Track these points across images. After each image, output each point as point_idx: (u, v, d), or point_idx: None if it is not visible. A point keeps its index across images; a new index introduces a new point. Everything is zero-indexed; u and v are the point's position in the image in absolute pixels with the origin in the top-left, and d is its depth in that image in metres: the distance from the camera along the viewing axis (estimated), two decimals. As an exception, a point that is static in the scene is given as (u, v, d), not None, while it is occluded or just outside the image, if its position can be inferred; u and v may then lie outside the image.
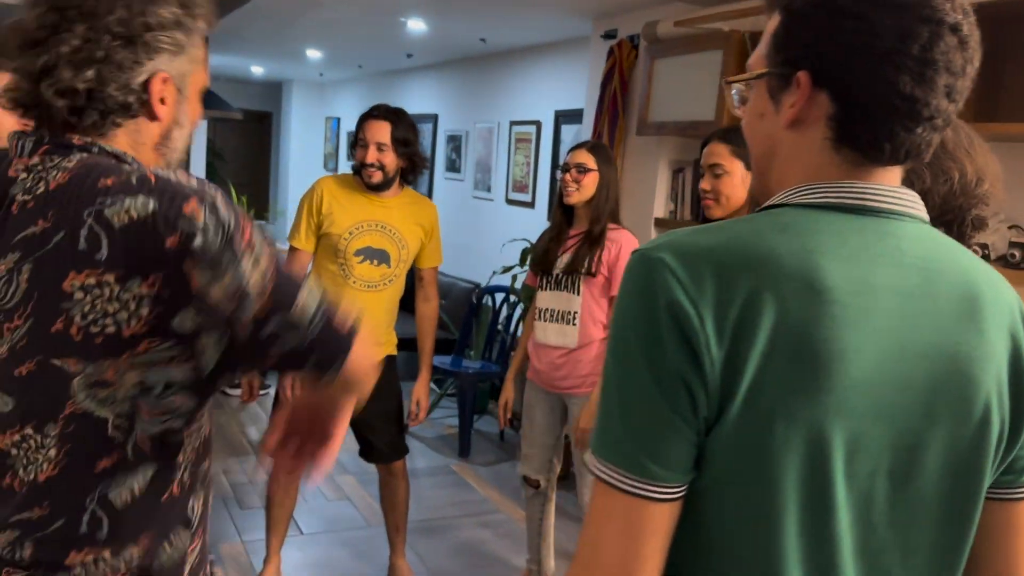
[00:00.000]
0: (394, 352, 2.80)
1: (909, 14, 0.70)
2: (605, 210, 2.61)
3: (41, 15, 0.90)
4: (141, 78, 0.94)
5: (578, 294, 2.62)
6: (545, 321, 2.69)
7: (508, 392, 2.88)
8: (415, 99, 7.03)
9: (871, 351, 0.69)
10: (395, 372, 2.81)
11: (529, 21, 4.64)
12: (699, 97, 3.33)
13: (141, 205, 0.87)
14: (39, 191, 0.90)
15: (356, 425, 2.78)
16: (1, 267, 0.90)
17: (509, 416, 2.88)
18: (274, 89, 9.81)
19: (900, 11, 0.70)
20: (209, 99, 6.35)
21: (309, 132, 9.20)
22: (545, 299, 2.71)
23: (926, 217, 0.77)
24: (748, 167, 2.03)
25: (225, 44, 6.53)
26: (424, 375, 2.86)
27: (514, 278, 4.35)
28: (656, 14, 3.73)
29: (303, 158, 9.16)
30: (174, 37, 0.95)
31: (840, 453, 0.69)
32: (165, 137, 0.99)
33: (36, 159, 0.92)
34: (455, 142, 6.45)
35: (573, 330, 2.64)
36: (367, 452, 2.84)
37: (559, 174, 2.67)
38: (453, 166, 6.49)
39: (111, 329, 0.87)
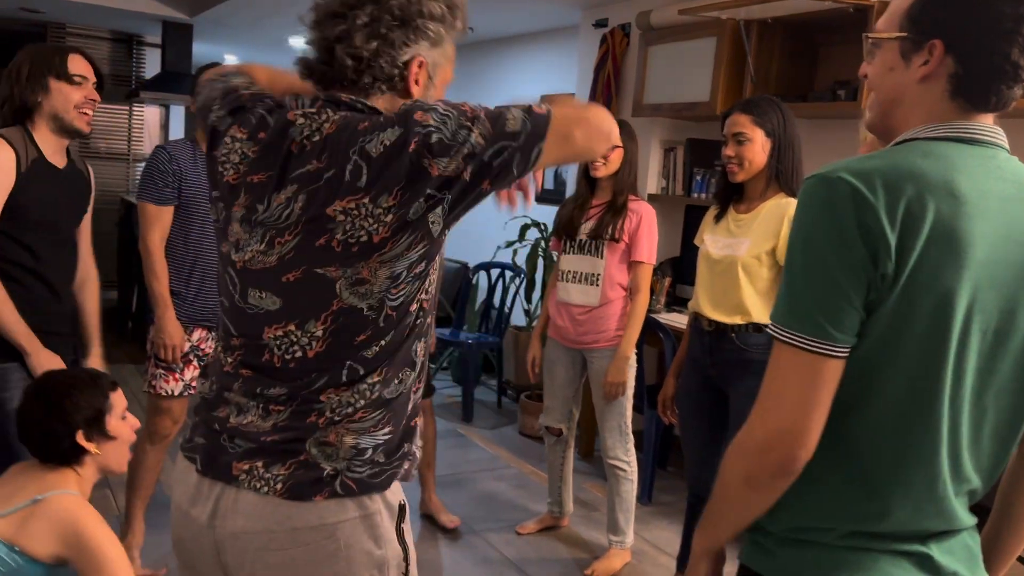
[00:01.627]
0: None
1: (1021, 5, 0.98)
2: (627, 183, 2.89)
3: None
4: (405, 57, 1.14)
5: (601, 257, 2.90)
6: (568, 281, 2.96)
7: (535, 349, 3.14)
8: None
9: (989, 238, 0.97)
10: None
11: (519, 10, 4.88)
12: (695, 80, 3.63)
13: (390, 133, 1.08)
14: (315, 138, 1.10)
15: None
16: (282, 196, 1.11)
17: (537, 371, 3.14)
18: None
19: (1016, 2, 0.99)
20: (188, 85, 6.41)
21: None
22: (569, 262, 2.97)
23: (1008, 147, 1.07)
24: (767, 135, 2.33)
25: (206, 33, 6.60)
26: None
27: (515, 252, 4.61)
28: (647, 4, 4.02)
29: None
30: (437, 29, 1.17)
31: (964, 314, 0.97)
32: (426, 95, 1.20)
33: (313, 109, 1.13)
34: (437, 128, 6.65)
35: (595, 290, 2.91)
36: None
37: None
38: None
39: (364, 238, 1.07)
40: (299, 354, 1.13)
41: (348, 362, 1.13)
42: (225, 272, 1.20)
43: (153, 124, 7.41)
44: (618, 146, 2.85)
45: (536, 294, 4.59)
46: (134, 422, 1.81)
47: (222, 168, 1.19)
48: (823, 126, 3.47)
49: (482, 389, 5.18)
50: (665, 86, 3.85)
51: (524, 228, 4.55)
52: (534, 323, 4.66)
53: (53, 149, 2.15)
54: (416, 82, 1.17)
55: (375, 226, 1.07)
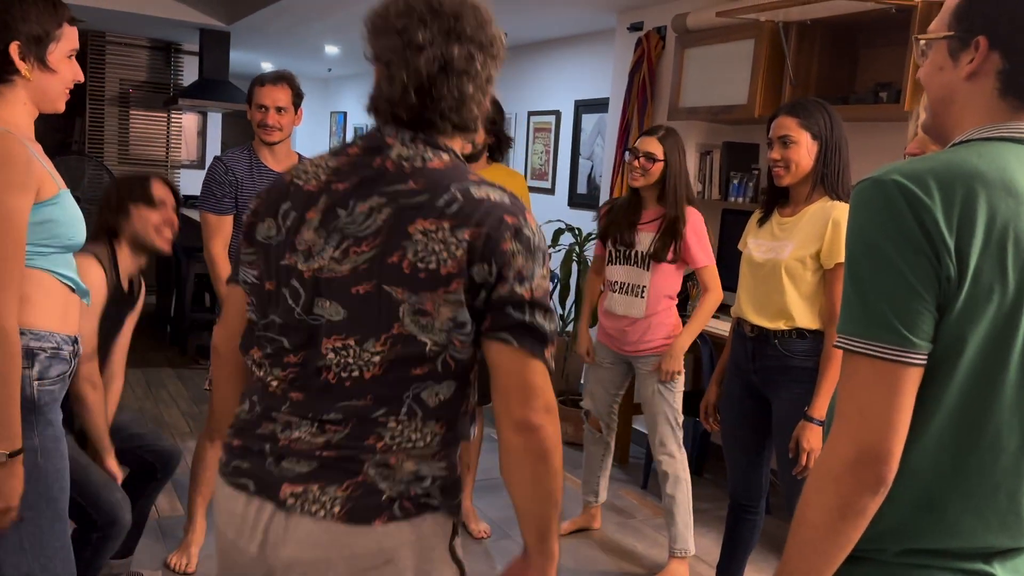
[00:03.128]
0: None
1: None
2: (680, 196, 2.85)
3: (458, 51, 1.12)
4: (488, 100, 1.18)
5: (648, 269, 2.88)
6: (614, 292, 2.95)
7: (584, 340, 3.13)
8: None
9: None
10: None
11: (554, 15, 4.87)
12: (733, 83, 3.59)
13: (499, 195, 1.11)
14: (417, 163, 1.12)
15: None
16: (366, 205, 1.10)
17: (592, 360, 3.11)
18: (276, 85, 9.93)
19: None
20: (225, 92, 6.51)
21: (315, 126, 9.37)
22: (616, 272, 2.95)
23: None
24: (813, 137, 2.29)
25: (244, 41, 6.69)
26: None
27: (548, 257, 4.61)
28: (683, 7, 3.99)
29: (310, 151, 9.32)
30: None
31: None
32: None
33: (410, 143, 1.14)
34: (470, 133, 6.67)
35: (641, 302, 2.89)
36: None
37: (627, 156, 2.92)
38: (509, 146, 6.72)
39: (432, 265, 1.06)
40: (356, 373, 1.10)
41: (408, 399, 1.11)
42: (286, 286, 1.15)
43: (191, 131, 7.53)
44: (659, 160, 2.82)
45: (570, 299, 4.56)
46: (78, 73, 1.67)
47: (297, 181, 1.18)
48: (865, 128, 3.41)
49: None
50: (702, 89, 3.81)
51: (558, 233, 4.54)
52: (568, 328, 4.64)
53: (129, 267, 2.35)
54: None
55: (445, 256, 1.07)
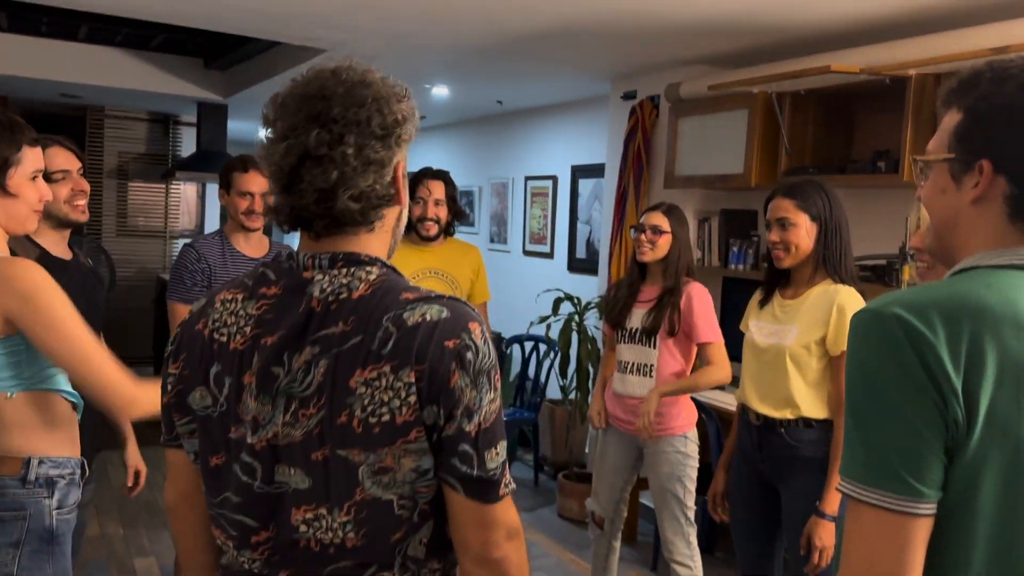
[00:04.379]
0: None
1: None
2: (681, 269, 2.77)
3: (317, 134, 0.99)
4: (390, 175, 1.05)
5: (654, 348, 2.78)
6: (625, 373, 2.83)
7: (598, 402, 2.95)
8: (424, 157, 7.27)
9: None
10: None
11: (548, 83, 4.89)
12: (727, 152, 3.57)
13: (436, 311, 1.00)
14: (343, 295, 1.01)
15: None
16: (301, 359, 1.00)
17: (602, 423, 2.92)
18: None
19: None
20: (223, 163, 6.53)
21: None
22: (624, 352, 2.85)
23: None
24: (812, 219, 2.24)
25: (241, 111, 6.74)
26: None
27: (548, 327, 4.53)
28: (674, 76, 3.99)
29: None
30: (409, 129, 1.07)
31: None
32: (399, 218, 1.13)
33: (334, 270, 1.03)
34: (467, 197, 6.67)
35: (651, 381, 2.79)
36: None
37: (633, 233, 2.86)
38: (467, 220, 6.70)
39: (386, 417, 0.96)
40: (337, 540, 1.01)
41: (396, 561, 1.03)
42: (236, 461, 1.04)
43: (190, 201, 7.54)
44: (665, 232, 2.77)
45: (571, 368, 4.48)
46: (46, 192, 1.64)
47: (218, 336, 1.06)
48: (863, 196, 3.37)
49: (518, 465, 5.05)
50: (697, 158, 3.79)
51: (557, 302, 4.48)
52: (570, 397, 4.54)
53: (54, 242, 2.12)
54: (401, 189, 1.09)
55: (397, 404, 0.97)
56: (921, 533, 0.87)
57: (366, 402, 0.97)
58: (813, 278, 2.26)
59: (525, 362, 5.01)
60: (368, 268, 1.04)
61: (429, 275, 2.90)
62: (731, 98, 3.55)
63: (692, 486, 2.77)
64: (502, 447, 1.02)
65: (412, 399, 0.97)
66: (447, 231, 2.98)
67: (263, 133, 1.07)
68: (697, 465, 2.79)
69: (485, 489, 1.00)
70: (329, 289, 1.02)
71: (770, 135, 3.41)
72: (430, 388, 0.97)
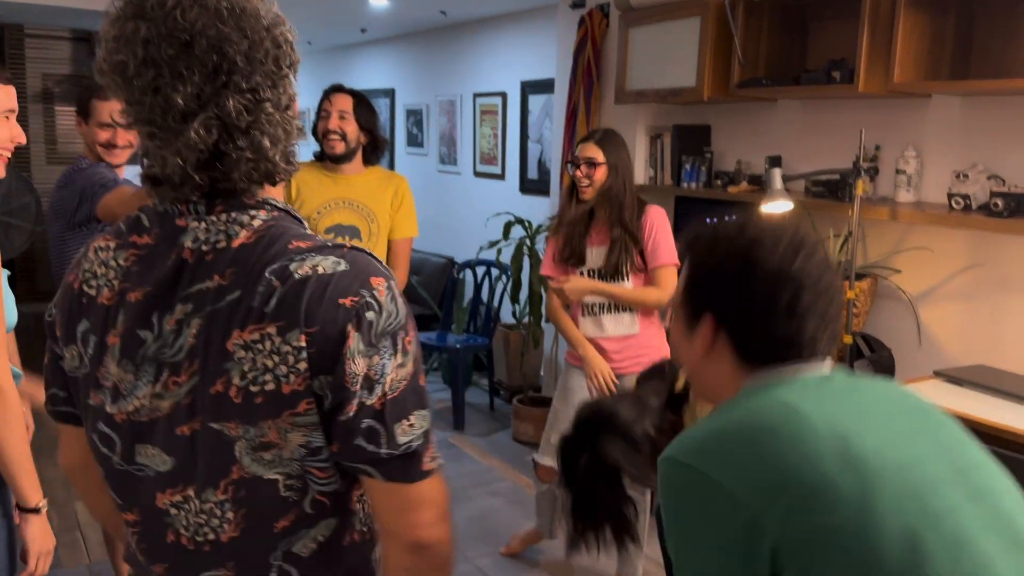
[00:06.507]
0: None
1: (775, 280, 0.95)
2: (626, 202, 2.62)
3: (235, 103, 0.85)
4: (288, 108, 0.92)
5: (627, 281, 2.65)
6: (596, 314, 2.69)
7: (593, 359, 2.70)
8: (370, 74, 6.95)
9: (881, 453, 0.92)
10: None
11: (493, -8, 4.63)
12: (679, 64, 3.40)
13: (331, 263, 0.86)
14: (221, 244, 0.88)
15: None
16: (172, 318, 0.88)
17: (614, 383, 2.67)
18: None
19: (771, 278, 0.96)
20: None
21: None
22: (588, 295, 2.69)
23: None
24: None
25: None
26: None
27: (499, 251, 4.42)
28: (626, -18, 3.77)
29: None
30: (294, 52, 0.92)
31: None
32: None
33: (212, 215, 0.89)
34: (415, 116, 6.41)
35: (631, 317, 2.66)
36: None
37: (570, 168, 2.71)
38: (415, 141, 6.46)
39: (271, 386, 0.84)
40: (211, 536, 0.90)
41: (274, 561, 0.90)
42: (94, 430, 0.94)
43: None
44: (600, 163, 2.63)
45: (523, 293, 4.39)
46: (17, 135, 1.53)
47: (88, 289, 0.93)
48: (818, 108, 3.26)
49: (474, 391, 5.01)
50: (648, 70, 3.62)
51: (508, 226, 4.35)
52: (524, 320, 4.46)
53: None
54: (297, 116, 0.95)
55: (284, 371, 0.84)
56: None
57: (246, 368, 0.84)
58: None
59: (477, 287, 4.91)
60: (252, 212, 0.90)
61: (342, 206, 2.70)
62: (683, 5, 3.36)
63: None
64: (419, 417, 0.88)
65: (302, 366, 0.84)
66: (367, 160, 2.77)
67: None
68: None
69: (404, 467, 0.87)
70: (203, 238, 0.88)
71: (723, 46, 3.25)
72: (321, 354, 0.84)
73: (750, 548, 0.84)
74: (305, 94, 2.85)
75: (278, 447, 0.86)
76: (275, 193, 0.95)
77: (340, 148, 2.68)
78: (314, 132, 2.76)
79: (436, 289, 5.52)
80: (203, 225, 0.89)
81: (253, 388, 0.84)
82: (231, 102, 0.84)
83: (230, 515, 0.89)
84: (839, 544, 0.82)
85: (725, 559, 0.86)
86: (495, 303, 4.84)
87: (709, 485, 0.86)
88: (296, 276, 0.85)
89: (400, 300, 0.89)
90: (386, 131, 6.76)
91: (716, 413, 0.98)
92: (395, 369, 0.87)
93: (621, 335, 2.69)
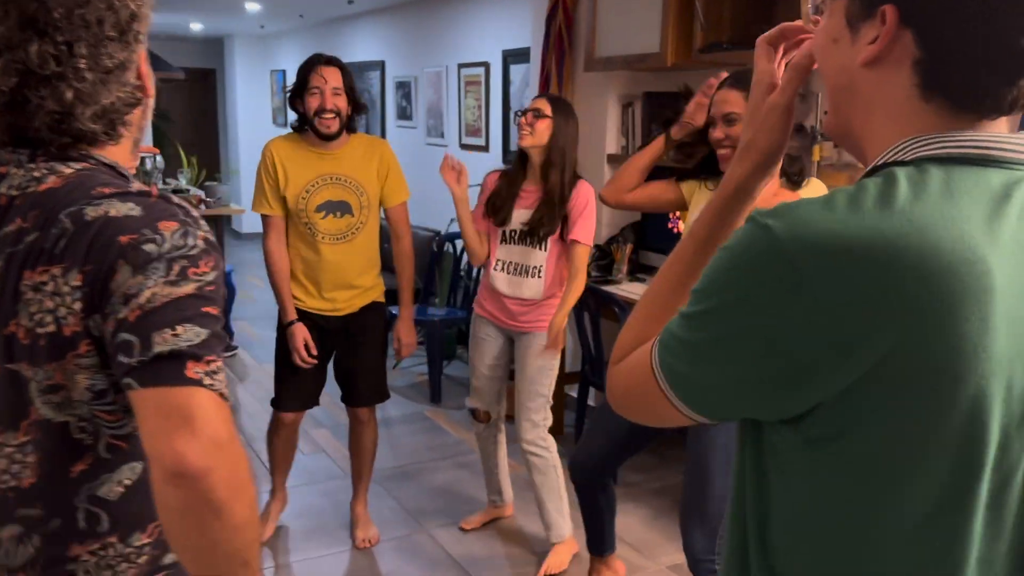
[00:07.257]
0: (381, 299, 2.85)
1: None
2: (563, 164, 2.58)
3: (39, 50, 0.85)
4: (134, 76, 0.93)
5: (544, 249, 2.64)
6: (500, 271, 2.71)
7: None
8: (361, 46, 6.90)
9: (1012, 303, 0.70)
10: (382, 318, 2.86)
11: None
12: (645, 29, 3.33)
13: (126, 208, 0.85)
14: (30, 189, 0.88)
15: (341, 370, 2.87)
16: None
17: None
18: (215, 45, 9.53)
19: None
20: (151, 59, 6.15)
21: (255, 87, 9.00)
22: (502, 251, 2.72)
23: None
24: None
25: (168, 2, 6.32)
26: (404, 312, 2.86)
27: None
28: (596, -54, 3.69)
29: (251, 114, 8.97)
30: (146, 15, 0.92)
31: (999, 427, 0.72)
32: (145, 112, 0.98)
33: (32, 163, 0.90)
34: (404, 88, 6.37)
35: (536, 283, 2.67)
36: (349, 396, 2.89)
37: (515, 118, 2.67)
38: (404, 113, 6.42)
39: (52, 328, 0.85)
40: (13, 483, 0.90)
41: (80, 504, 0.90)
42: None
43: None
44: (546, 116, 2.58)
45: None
46: None
47: None
48: (784, 73, 3.17)
49: (456, 364, 5.00)
50: (616, 37, 3.54)
51: (482, 197, 4.30)
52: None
53: None
54: (147, 81, 0.96)
55: (64, 313, 0.84)
56: None
57: (33, 309, 0.85)
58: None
59: (457, 260, 4.88)
60: (73, 164, 0.90)
61: (330, 182, 2.66)
62: (647, -31, 3.28)
63: (554, 375, 2.73)
64: (189, 330, 0.82)
65: (77, 306, 0.84)
66: (349, 127, 2.71)
67: None
68: (559, 359, 2.75)
69: (158, 370, 0.80)
70: (17, 183, 0.89)
71: (685, 8, 3.17)
72: (93, 292, 0.84)
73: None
74: (296, 67, 2.78)
75: (66, 389, 0.87)
76: (121, 158, 0.95)
77: (335, 127, 2.62)
78: (293, 104, 2.68)
79: (422, 262, 5.49)
80: (21, 171, 0.90)
81: (39, 330, 0.85)
82: (35, 47, 0.85)
83: (30, 459, 0.89)
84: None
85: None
86: (474, 276, 4.81)
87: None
88: (87, 218, 0.85)
89: (199, 241, 0.86)
90: (376, 105, 6.72)
91: (852, 201, 0.67)
92: (161, 286, 0.82)
93: (518, 297, 2.70)
